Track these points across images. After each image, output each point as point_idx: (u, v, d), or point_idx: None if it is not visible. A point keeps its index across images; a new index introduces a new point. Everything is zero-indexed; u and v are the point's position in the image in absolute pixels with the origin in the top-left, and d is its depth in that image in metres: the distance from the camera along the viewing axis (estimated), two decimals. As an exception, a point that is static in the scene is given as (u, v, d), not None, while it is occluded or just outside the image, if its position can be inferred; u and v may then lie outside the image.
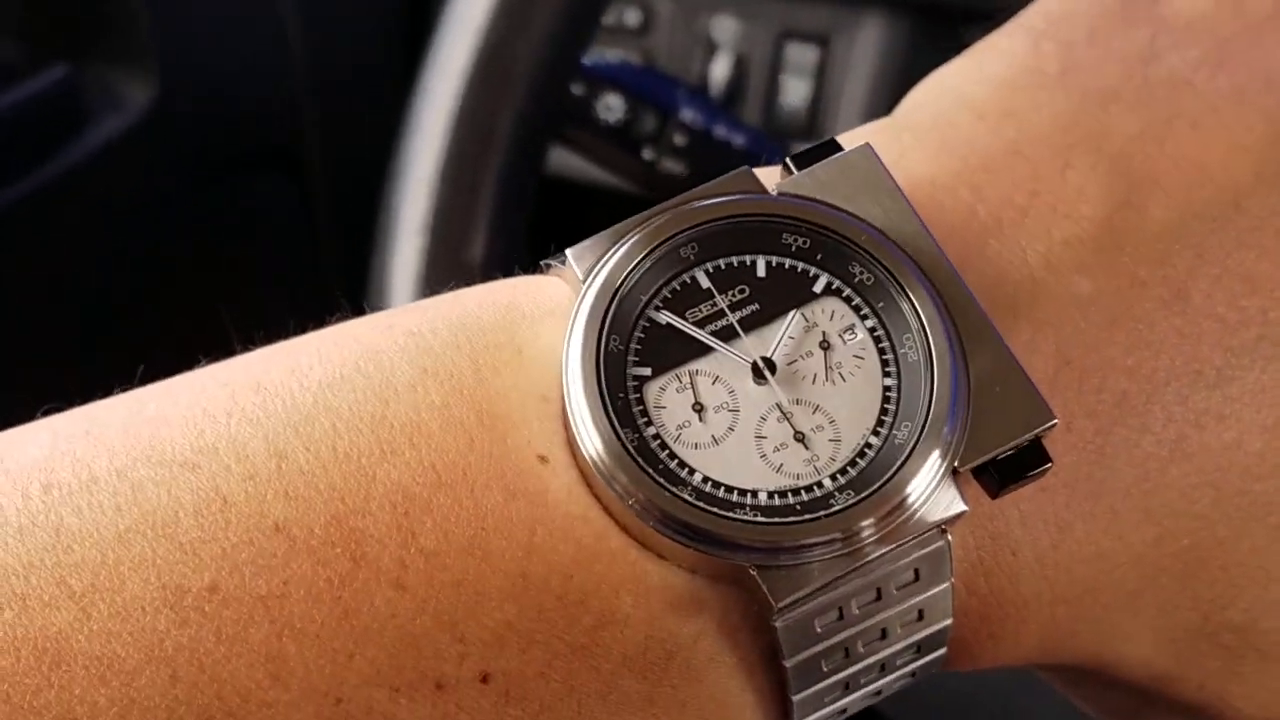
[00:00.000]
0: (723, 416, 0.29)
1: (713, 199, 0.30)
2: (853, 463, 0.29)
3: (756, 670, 0.29)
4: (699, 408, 0.29)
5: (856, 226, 0.30)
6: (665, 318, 0.30)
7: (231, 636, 0.26)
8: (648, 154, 0.79)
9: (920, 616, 0.30)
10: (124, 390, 0.30)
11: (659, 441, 0.29)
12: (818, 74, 1.04)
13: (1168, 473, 0.31)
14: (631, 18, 1.08)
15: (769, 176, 0.31)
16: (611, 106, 0.78)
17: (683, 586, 0.28)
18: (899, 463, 0.28)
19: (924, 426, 0.29)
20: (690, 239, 0.30)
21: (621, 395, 0.29)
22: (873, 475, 0.28)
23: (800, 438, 0.29)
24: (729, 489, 0.28)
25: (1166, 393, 0.31)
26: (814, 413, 0.29)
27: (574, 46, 0.62)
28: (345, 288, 1.06)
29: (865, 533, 0.28)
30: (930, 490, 0.28)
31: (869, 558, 0.28)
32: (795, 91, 1.05)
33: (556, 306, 0.30)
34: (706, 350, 0.29)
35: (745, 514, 0.28)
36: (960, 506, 0.28)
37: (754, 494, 0.28)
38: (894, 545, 0.28)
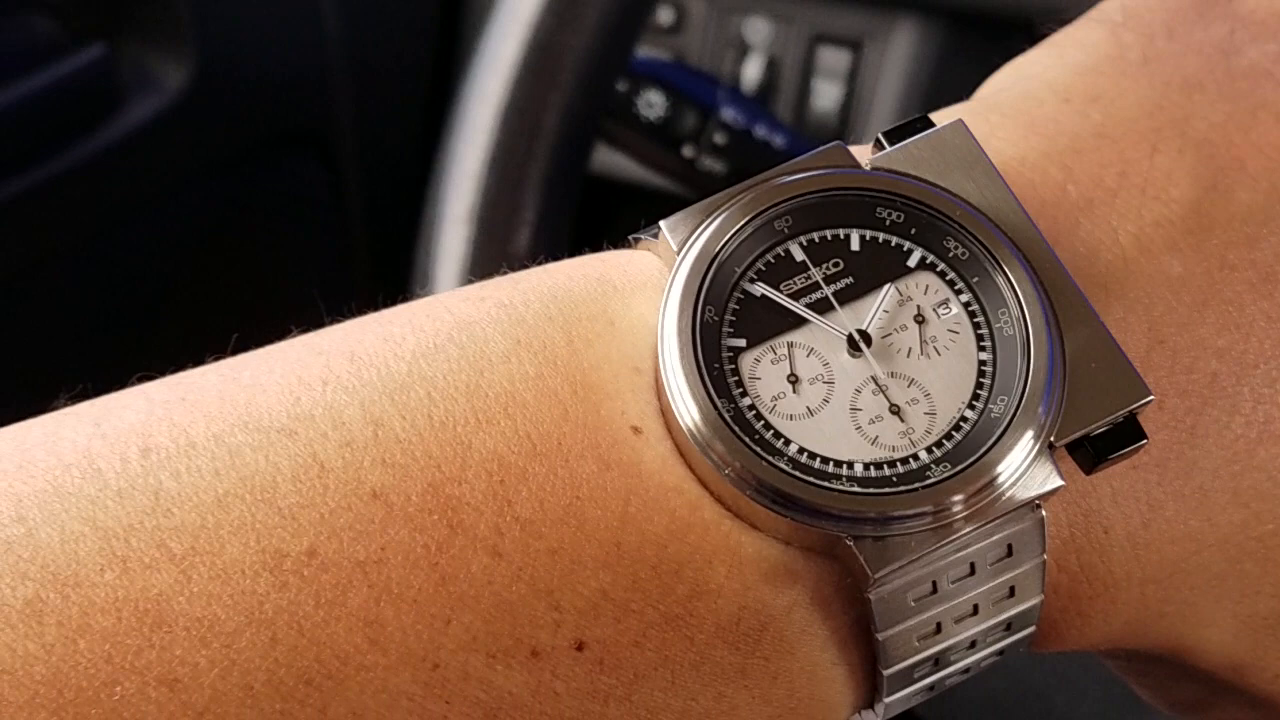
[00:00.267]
0: (818, 388, 0.29)
1: (806, 172, 0.30)
2: (948, 435, 0.29)
3: (848, 643, 0.29)
4: (794, 379, 0.29)
5: (951, 201, 0.30)
6: (760, 289, 0.29)
7: (330, 600, 0.26)
8: (687, 151, 0.79)
9: (1011, 593, 0.30)
10: (217, 359, 0.30)
11: (754, 412, 0.29)
12: (850, 78, 1.04)
13: (1256, 455, 0.31)
14: (664, 17, 1.08)
15: (861, 152, 0.31)
16: (653, 103, 0.78)
17: (776, 557, 0.28)
18: (995, 436, 0.28)
19: (1020, 401, 0.28)
20: (785, 212, 0.30)
21: (717, 366, 0.29)
22: (969, 448, 0.28)
23: (895, 410, 0.29)
24: (824, 460, 0.28)
25: (1255, 375, 0.31)
26: (909, 386, 0.29)
27: (624, 41, 0.62)
28: (374, 270, 1.07)
29: (956, 507, 0.28)
30: (1026, 465, 0.28)
31: (961, 532, 0.28)
32: (827, 95, 1.05)
33: (648, 279, 0.30)
34: (801, 322, 0.29)
35: (841, 484, 0.28)
36: (1056, 481, 0.28)
37: (849, 465, 0.28)
38: (986, 521, 0.28)
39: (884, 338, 0.29)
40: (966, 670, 0.31)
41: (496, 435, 0.28)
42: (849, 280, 0.30)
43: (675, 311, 0.29)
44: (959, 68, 1.01)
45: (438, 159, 0.63)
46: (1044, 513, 0.29)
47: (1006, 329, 0.29)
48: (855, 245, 0.30)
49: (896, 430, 0.29)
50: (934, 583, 0.29)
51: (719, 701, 0.28)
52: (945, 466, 0.28)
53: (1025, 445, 0.28)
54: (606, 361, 0.29)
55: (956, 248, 0.30)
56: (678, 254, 0.30)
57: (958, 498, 0.28)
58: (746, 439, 0.28)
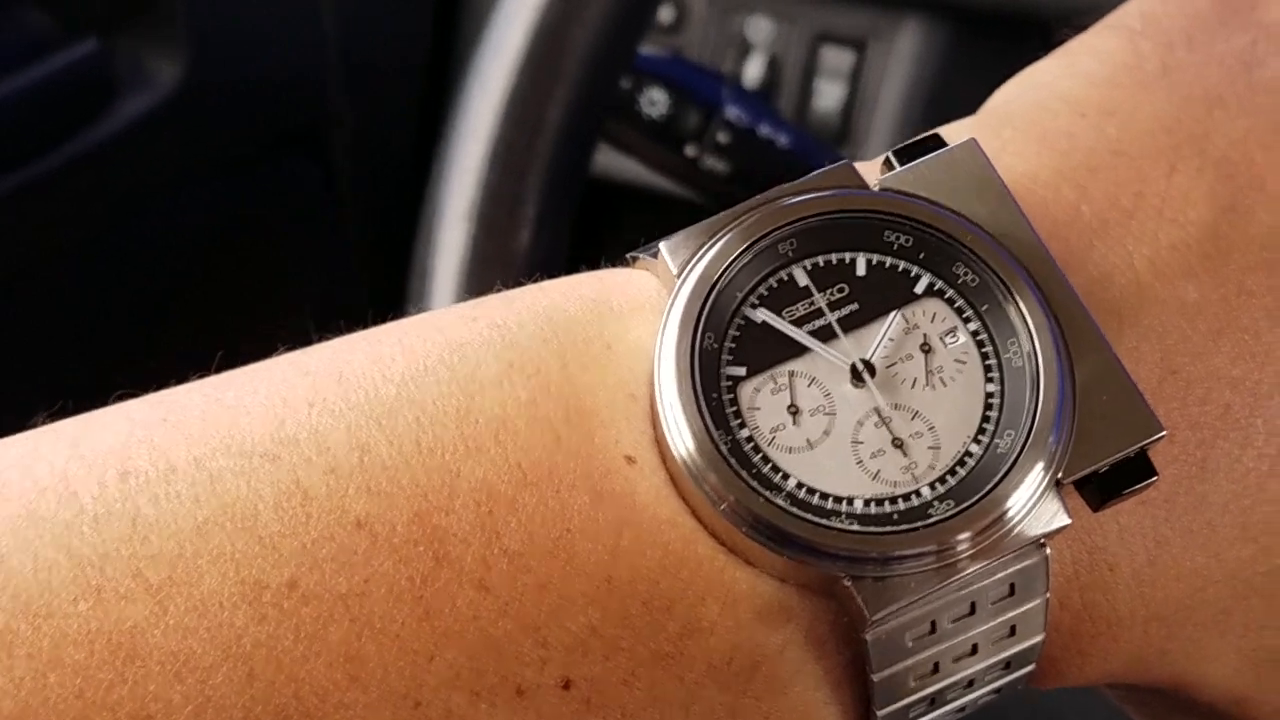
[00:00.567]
0: (818, 420, 0.28)
1: (812, 193, 0.29)
2: (953, 471, 0.28)
3: (842, 683, 0.28)
4: (794, 410, 0.28)
5: (962, 225, 0.29)
6: (762, 316, 0.28)
7: (310, 635, 0.25)
8: (690, 150, 0.77)
9: (1012, 632, 0.29)
10: (200, 376, 0.29)
11: (752, 444, 0.28)
12: (853, 78, 1.03)
13: (1266, 488, 0.30)
14: (665, 15, 1.07)
15: (869, 171, 0.30)
16: (655, 101, 0.77)
17: (771, 595, 0.27)
18: (1001, 473, 0.27)
19: (1028, 436, 0.27)
20: (789, 234, 0.29)
21: (715, 395, 0.28)
22: (974, 485, 0.27)
23: (898, 444, 0.28)
24: (824, 495, 0.27)
25: (1270, 406, 0.30)
26: (913, 418, 0.28)
27: (632, 32, 0.61)
28: (370, 270, 1.06)
29: (961, 546, 0.27)
30: (1033, 502, 0.27)
31: (965, 572, 0.27)
32: (829, 95, 1.04)
33: (646, 301, 0.29)
34: (803, 351, 0.28)
35: (840, 521, 0.27)
36: (1064, 520, 0.27)
37: (849, 501, 0.27)
38: (991, 560, 0.27)
39: (888, 367, 0.28)
40: (962, 709, 0.31)
41: (486, 463, 0.27)
42: (854, 306, 0.29)
43: (674, 338, 0.28)
44: (964, 68, 1.00)
45: (438, 154, 0.62)
46: (1049, 550, 0.28)
47: (1015, 360, 0.28)
48: (861, 270, 0.29)
49: (899, 465, 0.28)
50: (933, 622, 0.28)
51: None
52: (949, 504, 0.27)
53: (1034, 480, 0.27)
54: (602, 387, 0.28)
55: (966, 274, 0.29)
56: (677, 277, 0.29)
57: (963, 536, 0.27)
58: (743, 472, 0.27)
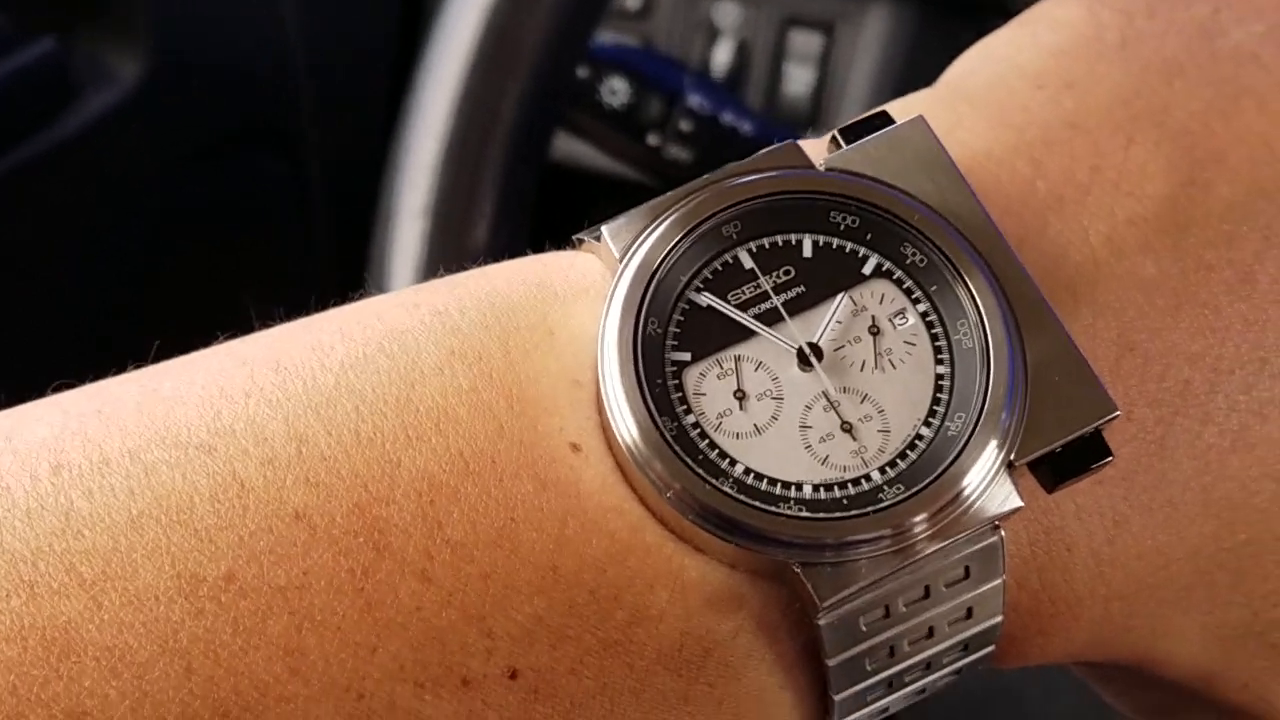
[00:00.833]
0: (766, 405, 0.27)
1: (756, 174, 0.29)
2: (903, 455, 0.27)
3: (795, 667, 0.28)
4: (741, 395, 0.27)
5: (909, 205, 0.28)
6: (706, 300, 0.28)
7: (249, 628, 0.25)
8: (652, 139, 0.77)
9: (969, 614, 0.28)
10: (136, 367, 0.28)
11: (699, 430, 0.27)
12: (822, 62, 1.03)
13: (1228, 464, 0.30)
14: (632, 1, 1.06)
15: (816, 150, 0.30)
16: (616, 90, 0.76)
17: (721, 582, 0.27)
18: (952, 456, 0.27)
19: (979, 418, 0.27)
20: (733, 216, 0.28)
21: (660, 381, 0.27)
22: (924, 469, 0.27)
23: (847, 428, 0.27)
24: (772, 481, 0.27)
25: (1231, 381, 0.30)
26: (862, 402, 0.28)
27: (583, 28, 0.60)
28: (337, 266, 1.05)
29: (916, 529, 0.27)
30: (985, 485, 0.27)
31: (918, 555, 0.27)
32: (799, 79, 1.03)
33: (590, 285, 0.29)
34: (749, 335, 0.28)
35: (789, 508, 0.27)
36: (1016, 502, 0.27)
37: (798, 487, 0.27)
38: (945, 542, 0.27)
39: (836, 350, 0.28)
40: (923, 691, 0.30)
41: (427, 453, 0.26)
42: (800, 289, 0.28)
43: (616, 323, 0.27)
44: (933, 50, 0.99)
45: (392, 151, 0.61)
46: (1003, 533, 0.28)
47: (965, 341, 0.28)
48: (807, 251, 0.28)
49: (848, 449, 0.27)
50: (887, 607, 0.27)
51: None
52: (899, 488, 0.27)
53: (985, 462, 0.27)
54: (545, 374, 0.27)
55: (914, 254, 0.28)
56: (620, 261, 0.28)
57: (919, 518, 0.27)
58: (688, 459, 0.26)
